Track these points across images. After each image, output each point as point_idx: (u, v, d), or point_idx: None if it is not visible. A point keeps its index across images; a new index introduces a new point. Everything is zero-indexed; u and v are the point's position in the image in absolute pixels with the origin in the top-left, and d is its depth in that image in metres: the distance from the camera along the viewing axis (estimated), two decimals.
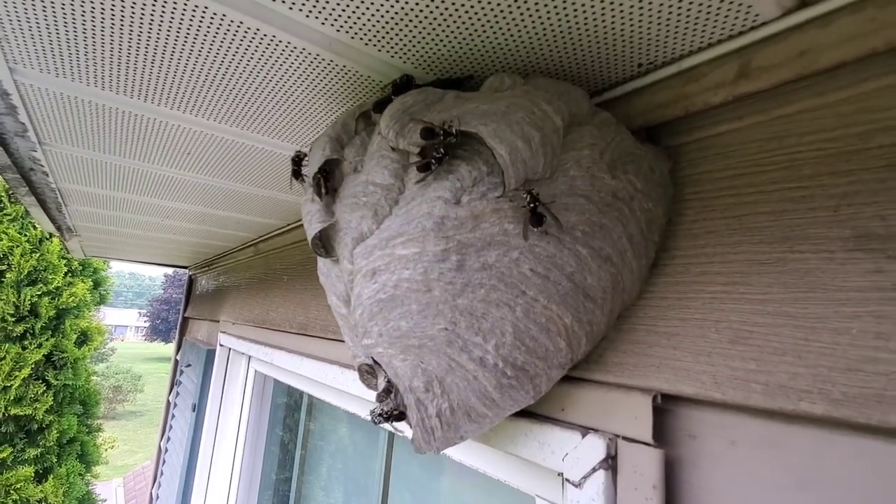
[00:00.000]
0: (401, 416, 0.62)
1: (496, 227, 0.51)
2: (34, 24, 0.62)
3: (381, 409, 0.63)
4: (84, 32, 0.63)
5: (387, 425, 0.74)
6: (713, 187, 0.57)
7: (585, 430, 0.58)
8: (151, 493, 3.45)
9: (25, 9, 0.59)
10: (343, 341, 1.24)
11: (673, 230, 0.60)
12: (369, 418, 0.62)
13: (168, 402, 3.68)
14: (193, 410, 2.40)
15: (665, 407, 0.55)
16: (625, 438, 0.55)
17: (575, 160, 0.53)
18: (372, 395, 1.05)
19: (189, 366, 2.81)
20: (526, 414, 0.67)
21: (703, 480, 0.51)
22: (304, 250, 1.75)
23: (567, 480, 0.58)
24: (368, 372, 0.68)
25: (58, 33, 0.64)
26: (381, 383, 0.64)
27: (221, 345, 2.36)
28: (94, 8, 0.58)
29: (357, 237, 0.60)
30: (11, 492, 3.83)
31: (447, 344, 0.55)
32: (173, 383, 3.67)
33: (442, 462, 1.18)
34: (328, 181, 0.62)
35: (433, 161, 0.53)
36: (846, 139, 0.48)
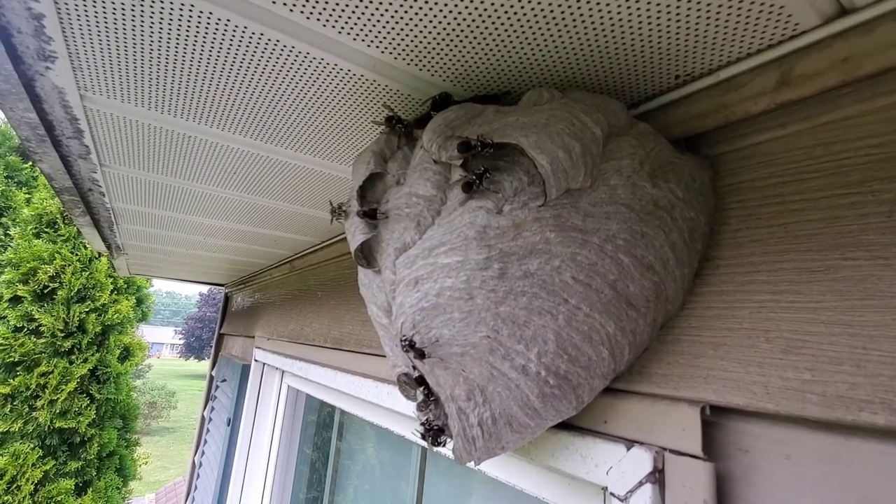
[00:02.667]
0: (440, 432, 0.63)
1: (537, 235, 0.52)
2: (106, 54, 0.68)
3: (424, 421, 0.63)
4: (150, 61, 0.69)
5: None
6: (757, 196, 0.57)
7: (630, 443, 0.57)
8: None
9: (100, 39, 0.64)
10: (378, 355, 1.26)
11: (716, 239, 0.59)
12: (417, 433, 0.62)
13: (203, 418, 3.76)
14: (228, 424, 2.44)
15: (714, 420, 0.54)
16: (672, 451, 0.53)
17: (615, 169, 0.54)
18: (408, 409, 1.05)
19: (224, 381, 2.88)
20: (567, 427, 0.66)
21: (756, 497, 0.49)
22: (338, 266, 1.80)
23: (612, 495, 0.57)
24: (407, 382, 0.69)
25: (127, 62, 0.69)
26: (421, 393, 0.65)
27: (256, 360, 2.41)
28: (160, 38, 0.63)
29: (400, 247, 0.62)
30: None
31: (489, 352, 0.55)
32: (208, 399, 3.76)
33: (476, 484, 1.17)
34: (371, 194, 0.65)
35: (475, 179, 0.55)
36: (895, 144, 0.47)
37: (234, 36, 0.62)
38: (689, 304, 0.59)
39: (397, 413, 1.26)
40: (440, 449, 0.99)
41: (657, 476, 0.53)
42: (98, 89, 0.78)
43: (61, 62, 0.69)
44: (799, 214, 0.52)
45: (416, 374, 0.65)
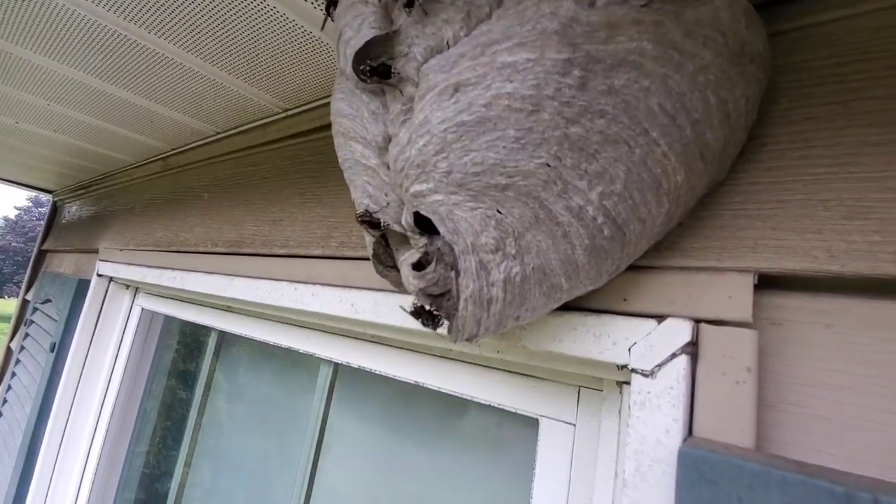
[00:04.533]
0: (439, 303, 0.51)
1: (633, 42, 0.42)
2: None
3: (424, 284, 0.50)
4: None
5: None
6: (812, 76, 0.54)
7: (661, 317, 0.52)
8: None
9: None
10: (295, 256, 1.06)
11: (761, 119, 0.56)
12: (407, 311, 0.48)
13: (9, 350, 3.01)
14: (52, 351, 1.95)
15: None
16: (709, 322, 0.49)
17: None
18: (338, 311, 0.89)
19: (49, 301, 2.30)
20: (572, 308, 0.58)
21: (790, 368, 0.47)
22: (237, 163, 1.50)
23: (635, 371, 0.51)
24: (404, 231, 0.55)
25: None
26: (421, 249, 0.51)
27: (100, 274, 1.95)
28: None
29: (433, 46, 0.47)
30: None
31: (543, 186, 0.44)
32: (18, 327, 3.01)
33: (395, 408, 1.06)
34: None
35: None
36: None
37: None
38: (729, 181, 0.55)
39: (317, 322, 1.08)
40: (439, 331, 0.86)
41: (691, 348, 0.49)
42: None
43: None
44: (860, 93, 0.51)
45: (420, 240, 0.51)
